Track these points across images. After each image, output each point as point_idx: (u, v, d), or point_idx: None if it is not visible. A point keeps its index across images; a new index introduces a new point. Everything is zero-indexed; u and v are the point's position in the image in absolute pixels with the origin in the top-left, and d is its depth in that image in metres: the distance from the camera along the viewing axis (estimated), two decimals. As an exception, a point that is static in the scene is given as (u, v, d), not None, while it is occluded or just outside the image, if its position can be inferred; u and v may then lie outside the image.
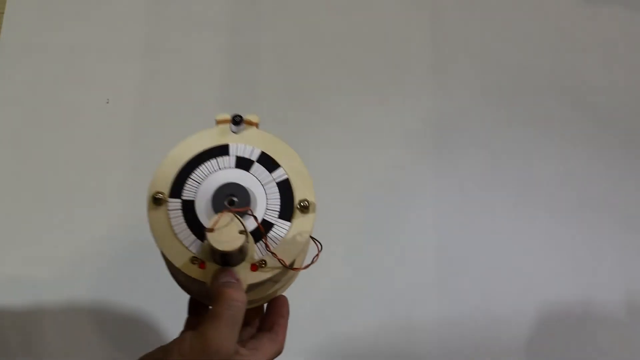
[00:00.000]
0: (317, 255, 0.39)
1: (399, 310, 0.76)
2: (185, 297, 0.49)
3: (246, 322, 0.39)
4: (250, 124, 0.41)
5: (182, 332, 0.42)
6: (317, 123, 0.85)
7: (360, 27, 0.90)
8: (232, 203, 0.37)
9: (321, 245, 0.40)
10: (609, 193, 0.80)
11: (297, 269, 0.38)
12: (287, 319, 0.43)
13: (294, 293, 0.45)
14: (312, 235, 0.39)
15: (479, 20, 0.89)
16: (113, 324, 0.75)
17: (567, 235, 0.79)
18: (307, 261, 0.39)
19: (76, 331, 0.75)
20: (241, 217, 0.35)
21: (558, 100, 0.85)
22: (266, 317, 0.44)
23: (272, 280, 0.38)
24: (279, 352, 0.41)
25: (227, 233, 0.34)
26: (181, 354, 0.34)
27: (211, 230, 0.34)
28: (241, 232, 0.34)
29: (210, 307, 0.36)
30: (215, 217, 0.35)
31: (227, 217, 0.34)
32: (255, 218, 0.36)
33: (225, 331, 0.34)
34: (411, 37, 0.89)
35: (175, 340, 0.36)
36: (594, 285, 0.76)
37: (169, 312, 0.76)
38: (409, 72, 0.87)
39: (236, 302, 0.35)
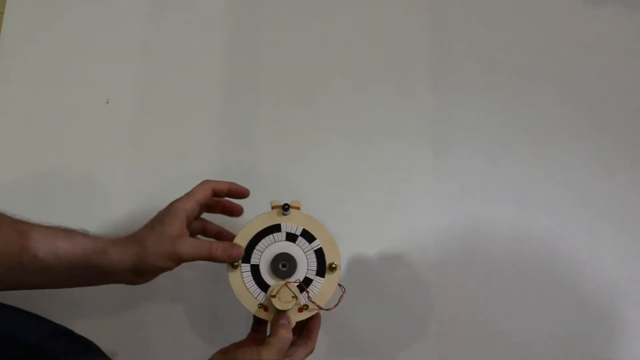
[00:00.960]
0: (342, 296, 0.55)
1: (398, 310, 0.76)
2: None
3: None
4: (295, 208, 0.57)
5: (248, 336, 0.57)
6: (317, 123, 0.85)
7: (360, 27, 0.90)
8: (285, 266, 0.53)
9: (344, 290, 0.55)
10: (608, 193, 0.80)
11: (329, 309, 0.54)
12: (319, 328, 0.58)
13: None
14: (339, 284, 0.55)
15: (478, 20, 0.89)
16: (115, 323, 0.76)
17: (567, 234, 0.79)
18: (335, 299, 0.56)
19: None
20: (292, 282, 0.53)
21: (558, 100, 0.85)
22: (304, 326, 0.58)
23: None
24: (311, 351, 0.56)
25: (284, 297, 0.51)
26: None
27: (274, 295, 0.51)
28: (293, 297, 0.51)
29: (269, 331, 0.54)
30: (278, 287, 0.52)
31: (285, 288, 0.52)
32: (302, 283, 0.53)
33: (274, 355, 0.50)
34: (411, 36, 0.89)
35: (242, 348, 0.52)
36: (594, 284, 0.76)
37: (173, 308, 0.76)
38: (409, 72, 0.87)
39: (285, 338, 0.52)
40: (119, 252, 0.52)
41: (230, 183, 0.60)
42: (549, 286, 0.77)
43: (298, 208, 0.57)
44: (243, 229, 0.56)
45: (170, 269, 0.54)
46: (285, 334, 0.52)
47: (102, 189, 0.82)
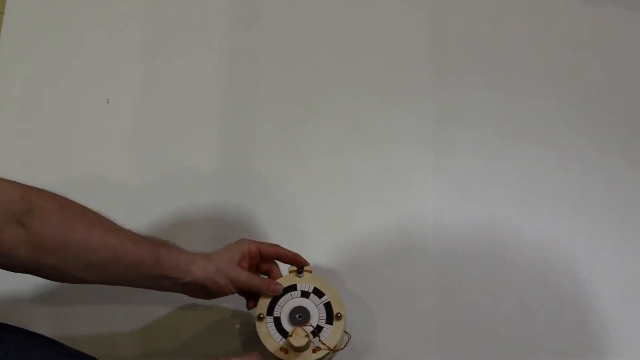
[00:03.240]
0: (348, 341, 0.67)
1: (399, 311, 0.76)
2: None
3: None
4: (308, 271, 0.69)
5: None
6: (317, 123, 0.85)
7: (360, 27, 0.90)
8: (300, 317, 0.66)
9: (350, 336, 0.67)
10: (608, 192, 0.80)
11: (338, 350, 0.66)
12: None
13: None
14: (345, 330, 0.67)
15: (479, 20, 0.89)
16: (112, 324, 0.76)
17: (567, 233, 0.79)
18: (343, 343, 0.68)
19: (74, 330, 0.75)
20: (305, 326, 0.65)
21: (558, 100, 0.85)
22: None
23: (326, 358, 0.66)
24: None
25: (298, 336, 0.63)
26: None
27: (290, 335, 0.63)
28: (305, 336, 0.63)
29: None
30: (293, 328, 0.64)
31: (298, 329, 0.64)
32: (313, 327, 0.66)
33: None
34: (411, 37, 0.89)
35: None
36: (594, 283, 0.77)
37: (166, 310, 0.76)
38: (409, 72, 0.87)
39: None
40: (198, 267, 0.63)
41: (295, 255, 0.70)
42: (549, 285, 0.77)
43: (310, 271, 0.69)
44: None
45: (228, 289, 0.65)
46: None
47: (101, 189, 0.82)
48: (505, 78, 0.86)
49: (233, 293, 0.66)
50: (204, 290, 0.64)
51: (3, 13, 0.91)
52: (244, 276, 0.65)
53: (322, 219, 0.80)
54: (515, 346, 0.74)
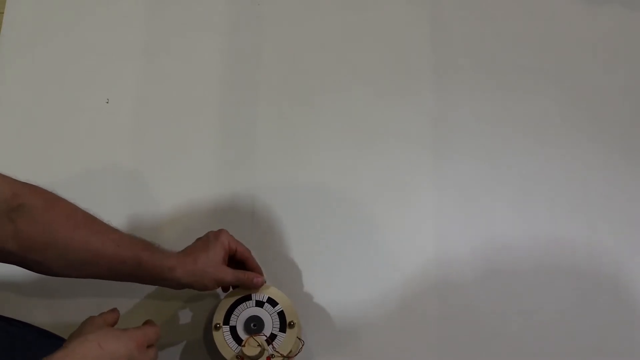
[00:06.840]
0: (301, 348, 0.70)
1: (396, 312, 0.76)
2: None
3: None
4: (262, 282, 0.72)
5: None
6: (317, 123, 0.85)
7: (360, 27, 0.90)
8: (255, 325, 0.69)
9: (303, 342, 0.70)
10: (608, 192, 0.80)
11: (292, 356, 0.69)
12: None
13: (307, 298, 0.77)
14: (298, 337, 0.70)
15: (479, 20, 0.89)
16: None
17: (567, 234, 0.79)
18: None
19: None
20: (259, 335, 0.68)
21: (558, 100, 0.85)
22: None
23: None
24: None
25: (250, 346, 0.67)
26: None
27: (243, 345, 0.67)
28: (257, 346, 0.67)
29: None
30: (246, 338, 0.68)
31: (250, 339, 0.67)
32: (266, 337, 0.68)
33: None
34: (411, 37, 0.89)
35: None
36: (594, 283, 0.77)
37: (166, 305, 0.76)
38: (409, 72, 0.87)
39: None
40: (183, 271, 0.64)
41: (258, 266, 0.73)
42: (550, 288, 0.77)
43: (264, 283, 0.72)
44: (222, 301, 0.71)
45: (213, 288, 0.68)
46: None
47: (101, 189, 0.82)
48: (506, 78, 0.86)
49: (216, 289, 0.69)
50: (188, 287, 0.67)
51: (3, 13, 0.91)
52: (230, 276, 0.68)
53: (322, 218, 0.80)
54: (515, 349, 0.74)
